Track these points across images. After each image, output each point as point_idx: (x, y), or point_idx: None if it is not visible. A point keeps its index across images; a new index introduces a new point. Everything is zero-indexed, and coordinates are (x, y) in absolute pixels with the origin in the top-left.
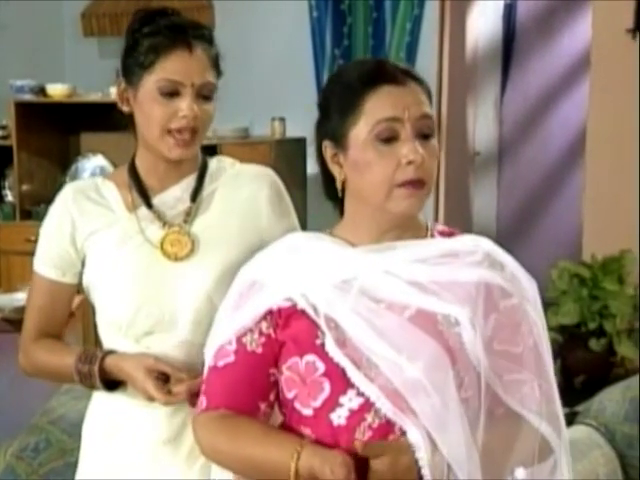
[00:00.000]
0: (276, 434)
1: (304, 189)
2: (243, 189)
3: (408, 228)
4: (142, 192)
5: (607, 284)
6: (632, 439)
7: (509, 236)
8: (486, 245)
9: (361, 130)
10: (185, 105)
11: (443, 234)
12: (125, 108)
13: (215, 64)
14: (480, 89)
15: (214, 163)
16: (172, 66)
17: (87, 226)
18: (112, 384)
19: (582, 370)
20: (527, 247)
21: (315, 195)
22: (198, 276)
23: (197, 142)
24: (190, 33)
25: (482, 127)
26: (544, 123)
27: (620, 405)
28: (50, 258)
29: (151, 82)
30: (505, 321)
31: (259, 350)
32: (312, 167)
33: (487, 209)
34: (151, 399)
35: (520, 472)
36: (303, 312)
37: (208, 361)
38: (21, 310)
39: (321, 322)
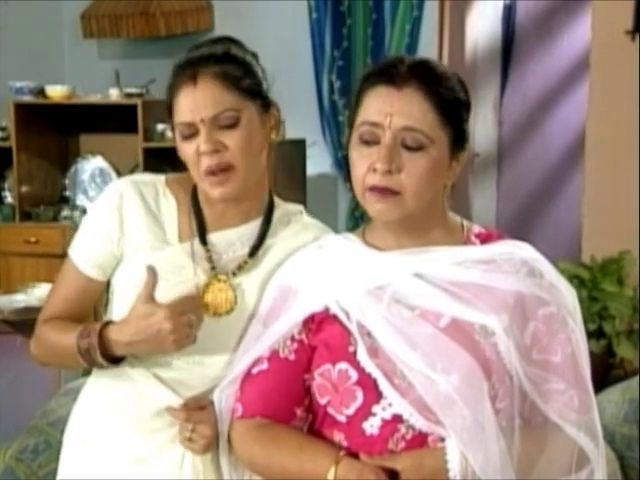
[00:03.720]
0: (311, 446)
1: (304, 191)
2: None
3: (431, 229)
4: (200, 227)
5: (606, 285)
6: (631, 440)
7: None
8: (525, 252)
9: (355, 128)
10: (201, 141)
11: (480, 237)
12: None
13: (235, 85)
14: (479, 90)
15: (279, 211)
16: (181, 107)
17: (135, 240)
18: (115, 359)
19: None
20: None
21: (315, 196)
22: (230, 336)
23: (238, 178)
24: (194, 60)
25: (481, 128)
26: (543, 124)
27: (619, 406)
28: (93, 256)
29: (175, 126)
30: (544, 329)
31: (292, 357)
32: (312, 168)
33: (486, 211)
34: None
35: None
36: (335, 317)
37: (242, 369)
38: (21, 312)
39: (353, 329)
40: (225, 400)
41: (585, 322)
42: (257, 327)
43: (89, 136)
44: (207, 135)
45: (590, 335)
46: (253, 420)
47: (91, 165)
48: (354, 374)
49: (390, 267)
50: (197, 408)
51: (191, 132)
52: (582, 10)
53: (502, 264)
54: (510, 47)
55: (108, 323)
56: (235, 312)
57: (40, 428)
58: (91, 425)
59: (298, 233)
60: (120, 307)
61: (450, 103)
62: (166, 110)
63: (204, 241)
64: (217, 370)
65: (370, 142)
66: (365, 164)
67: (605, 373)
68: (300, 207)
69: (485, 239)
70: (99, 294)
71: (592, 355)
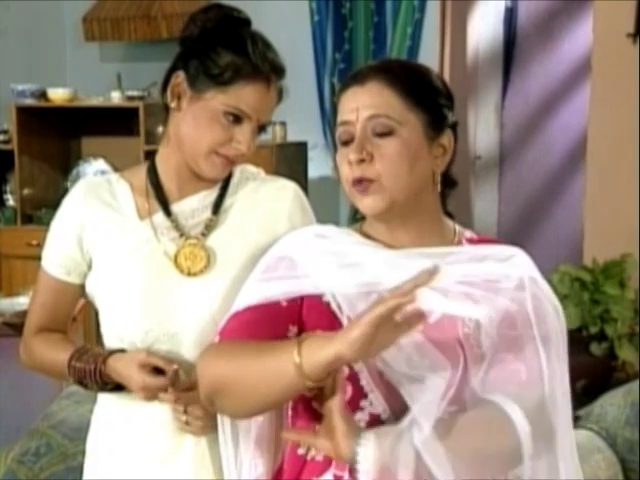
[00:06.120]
0: (274, 343)
1: (305, 193)
2: (262, 204)
3: (423, 223)
4: (161, 198)
5: (608, 288)
6: (633, 443)
7: (510, 240)
8: (521, 270)
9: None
10: (243, 138)
11: (472, 241)
12: (172, 104)
13: (279, 99)
14: (481, 93)
15: (237, 174)
16: (248, 97)
17: (95, 230)
18: (108, 385)
19: (583, 374)
20: (528, 251)
21: (316, 199)
22: (207, 295)
23: (234, 165)
24: (271, 65)
25: (483, 131)
26: (545, 127)
27: (621, 409)
28: (56, 256)
29: (219, 101)
30: (516, 308)
31: (284, 303)
32: (313, 171)
33: (488, 213)
34: (147, 397)
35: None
36: (327, 308)
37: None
38: (22, 314)
39: (345, 323)
40: None
41: (587, 325)
42: (253, 277)
43: (91, 139)
44: (252, 135)
45: (592, 338)
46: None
47: (93, 168)
48: (345, 369)
49: (383, 265)
50: (186, 389)
51: (236, 117)
52: (584, 13)
53: (500, 281)
54: (512, 50)
55: (110, 354)
56: (209, 272)
57: (42, 431)
58: (117, 426)
59: (258, 187)
60: (105, 315)
61: (416, 86)
62: (201, 66)
63: (168, 212)
64: (191, 336)
65: (347, 141)
66: (345, 162)
67: (607, 376)
68: (259, 169)
69: (476, 244)
70: (75, 298)
71: (594, 358)
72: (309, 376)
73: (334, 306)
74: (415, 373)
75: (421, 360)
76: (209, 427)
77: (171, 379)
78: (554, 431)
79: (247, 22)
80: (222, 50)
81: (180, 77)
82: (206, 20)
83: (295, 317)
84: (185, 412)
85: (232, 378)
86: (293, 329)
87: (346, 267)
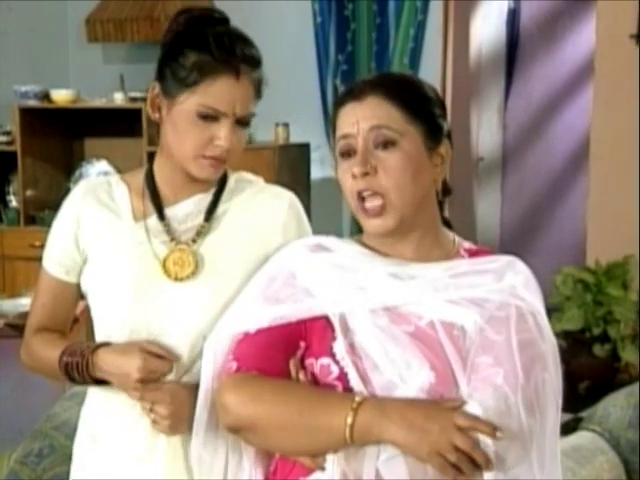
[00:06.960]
0: (325, 391)
1: (308, 194)
2: (257, 214)
3: (425, 235)
4: (156, 201)
5: (611, 290)
6: (636, 445)
7: (513, 242)
8: (518, 301)
9: (336, 149)
10: (222, 134)
11: (470, 252)
12: (155, 115)
13: (258, 90)
14: (484, 95)
15: (233, 180)
16: (216, 92)
17: (91, 229)
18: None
19: (586, 376)
20: (531, 253)
21: (319, 200)
22: (192, 301)
23: (227, 164)
24: (239, 56)
25: (486, 133)
26: (548, 129)
27: (624, 411)
28: (55, 255)
29: (191, 103)
30: (502, 315)
31: (294, 320)
32: (316, 172)
33: (491, 215)
34: (139, 380)
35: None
36: (324, 316)
37: (232, 331)
38: (25, 316)
39: (336, 325)
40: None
41: (590, 326)
42: (256, 289)
43: (94, 140)
44: (231, 130)
45: (595, 339)
46: (249, 373)
47: (96, 169)
48: (335, 369)
49: (387, 281)
50: (154, 388)
51: (210, 116)
52: (586, 14)
53: (494, 308)
54: (514, 51)
55: (98, 347)
56: (197, 278)
57: (44, 432)
58: (97, 424)
59: (255, 195)
60: (95, 312)
61: (413, 99)
62: (171, 72)
63: (162, 215)
64: (175, 341)
65: (349, 153)
66: (349, 176)
67: (610, 378)
68: (258, 177)
69: (474, 255)
70: (74, 299)
71: (597, 359)
72: (356, 442)
73: (330, 315)
74: (398, 379)
75: (406, 366)
76: (181, 428)
77: (170, 366)
78: (544, 434)
79: (218, 21)
80: (188, 51)
81: (156, 88)
82: (177, 25)
83: (303, 332)
84: (151, 411)
85: (269, 424)
86: (302, 344)
87: (347, 282)
